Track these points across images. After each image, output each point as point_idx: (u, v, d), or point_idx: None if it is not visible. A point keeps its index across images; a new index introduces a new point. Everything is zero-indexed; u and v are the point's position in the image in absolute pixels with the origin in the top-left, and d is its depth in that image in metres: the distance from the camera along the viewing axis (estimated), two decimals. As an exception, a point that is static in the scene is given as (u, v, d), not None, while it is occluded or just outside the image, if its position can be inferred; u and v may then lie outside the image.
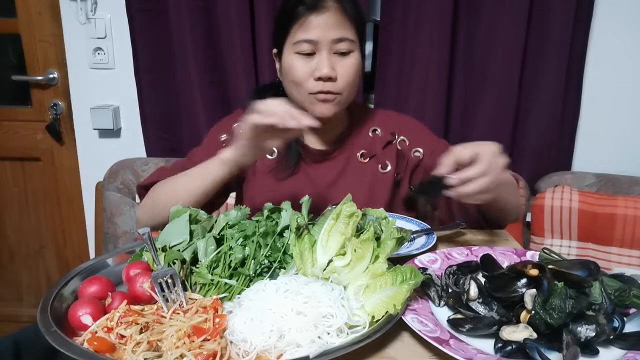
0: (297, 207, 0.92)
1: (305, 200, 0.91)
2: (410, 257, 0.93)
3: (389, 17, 1.77)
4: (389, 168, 1.23)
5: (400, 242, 0.83)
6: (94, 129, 1.98)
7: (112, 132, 2.00)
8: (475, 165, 0.88)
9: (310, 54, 1.10)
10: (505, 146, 1.90)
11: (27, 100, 2.04)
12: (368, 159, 1.24)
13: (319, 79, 1.10)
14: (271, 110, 0.92)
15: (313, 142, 1.25)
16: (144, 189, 1.18)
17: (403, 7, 1.75)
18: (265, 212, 0.92)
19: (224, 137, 1.24)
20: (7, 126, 2.06)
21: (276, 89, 1.22)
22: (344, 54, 1.11)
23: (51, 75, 1.98)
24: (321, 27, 1.08)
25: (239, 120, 1.24)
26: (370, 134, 1.26)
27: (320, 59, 1.10)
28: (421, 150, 1.24)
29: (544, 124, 1.83)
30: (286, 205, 0.92)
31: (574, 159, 1.91)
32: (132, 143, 1.98)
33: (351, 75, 1.13)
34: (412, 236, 1.06)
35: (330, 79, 1.10)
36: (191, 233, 0.89)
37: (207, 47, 1.81)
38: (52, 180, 2.12)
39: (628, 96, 1.85)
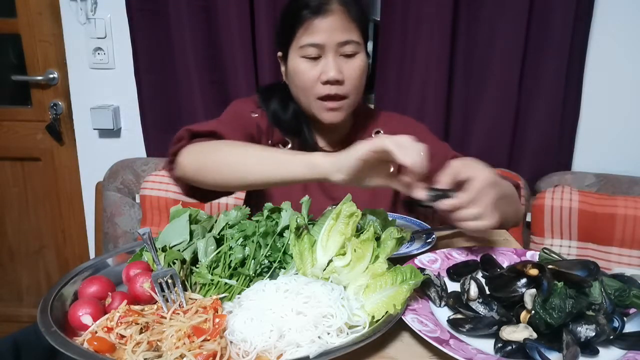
0: (297, 207, 0.92)
1: (305, 200, 0.91)
2: (410, 257, 0.93)
3: (389, 17, 1.77)
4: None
5: (400, 242, 0.83)
6: (94, 129, 1.98)
7: (112, 132, 2.00)
8: (465, 193, 0.86)
9: (316, 58, 1.10)
10: (505, 146, 1.92)
11: (27, 100, 2.04)
12: None
13: (327, 82, 1.10)
14: (410, 145, 0.80)
15: (320, 142, 1.25)
16: (190, 135, 1.04)
17: (403, 7, 1.75)
18: (265, 212, 0.92)
19: (255, 114, 1.19)
20: (7, 126, 2.06)
21: (283, 91, 1.22)
22: (349, 56, 1.11)
23: (51, 75, 1.98)
24: (327, 30, 1.08)
25: (256, 104, 1.21)
26: (373, 135, 1.26)
27: (326, 63, 1.09)
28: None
29: (544, 124, 1.83)
30: (286, 205, 0.92)
31: (574, 159, 1.91)
32: (132, 143, 1.98)
33: (358, 77, 1.13)
34: (412, 236, 1.06)
35: (337, 81, 1.10)
36: (191, 233, 0.89)
37: (207, 47, 1.81)
38: (52, 180, 2.12)
39: (628, 96, 1.85)
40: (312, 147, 1.21)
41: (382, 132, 1.27)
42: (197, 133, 1.04)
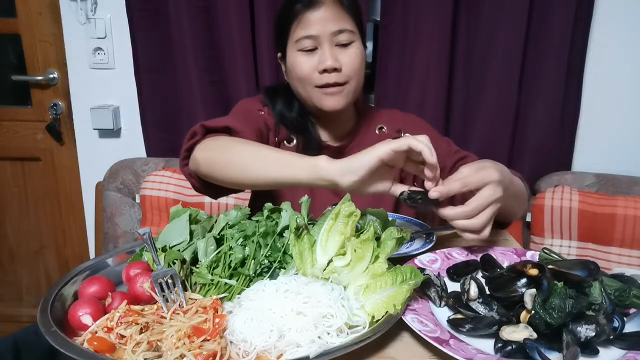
0: (296, 207, 0.92)
1: (304, 200, 0.91)
2: (410, 257, 0.93)
3: (389, 17, 1.77)
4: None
5: (400, 242, 0.83)
6: (94, 129, 1.98)
7: (112, 132, 2.00)
8: (466, 206, 0.89)
9: (312, 50, 1.11)
10: (505, 146, 1.91)
11: (27, 100, 2.04)
12: None
13: (324, 71, 1.11)
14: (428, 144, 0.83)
15: (324, 138, 1.25)
16: (206, 131, 1.04)
17: (403, 7, 1.75)
18: (265, 212, 0.92)
19: (262, 112, 1.21)
20: (7, 126, 2.06)
21: (286, 91, 1.23)
22: (345, 45, 1.12)
23: (51, 75, 1.98)
24: (319, 21, 1.09)
25: (261, 104, 1.22)
26: (377, 131, 1.27)
27: (322, 52, 1.10)
28: None
29: (544, 124, 1.83)
30: (286, 205, 0.92)
31: (574, 159, 1.90)
32: (132, 143, 1.98)
33: (355, 64, 1.13)
34: (412, 236, 1.06)
35: (335, 69, 1.11)
36: (191, 233, 0.89)
37: (207, 47, 1.82)
38: (52, 180, 2.12)
39: (628, 96, 1.85)
40: (317, 144, 1.22)
41: (385, 128, 1.27)
42: (212, 129, 1.04)
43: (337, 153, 1.24)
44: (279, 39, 1.18)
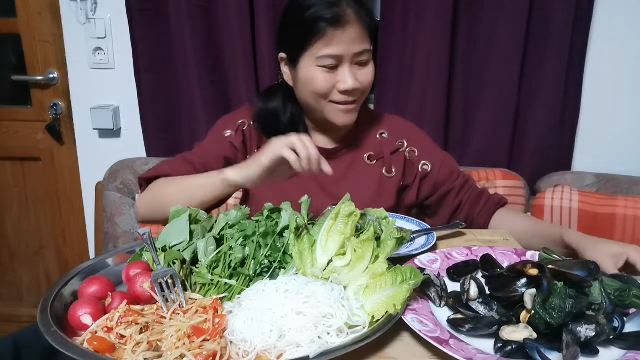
0: (297, 207, 0.92)
1: (304, 200, 0.91)
2: (410, 257, 0.93)
3: (389, 17, 1.76)
4: (394, 173, 1.25)
5: (400, 242, 0.83)
6: (94, 129, 1.98)
7: (112, 132, 2.00)
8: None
9: (333, 67, 1.12)
10: (505, 146, 1.92)
11: (27, 100, 2.04)
12: (375, 161, 1.25)
13: (345, 92, 1.12)
14: (303, 150, 0.94)
15: (319, 141, 1.26)
16: (145, 181, 1.19)
17: (403, 7, 1.75)
18: (265, 212, 0.92)
19: (228, 133, 1.24)
20: (7, 126, 2.06)
21: (285, 92, 1.22)
22: (363, 64, 1.14)
23: (51, 75, 1.98)
24: (345, 42, 1.09)
25: (244, 117, 1.25)
26: (378, 136, 1.28)
27: (343, 72, 1.12)
28: (429, 164, 1.26)
29: (544, 124, 1.83)
30: (286, 205, 0.92)
31: (574, 159, 1.90)
32: (132, 143, 1.98)
33: (370, 83, 1.16)
34: (412, 236, 1.06)
35: (355, 90, 1.13)
36: (191, 233, 0.89)
37: (207, 47, 1.81)
38: (52, 180, 2.11)
39: (628, 96, 1.85)
40: None
41: (386, 134, 1.28)
42: (148, 179, 1.18)
43: (327, 154, 1.23)
44: (290, 44, 1.16)
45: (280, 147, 0.96)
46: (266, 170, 0.98)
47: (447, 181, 1.26)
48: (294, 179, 1.20)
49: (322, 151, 1.23)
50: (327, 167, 0.97)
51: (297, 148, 0.95)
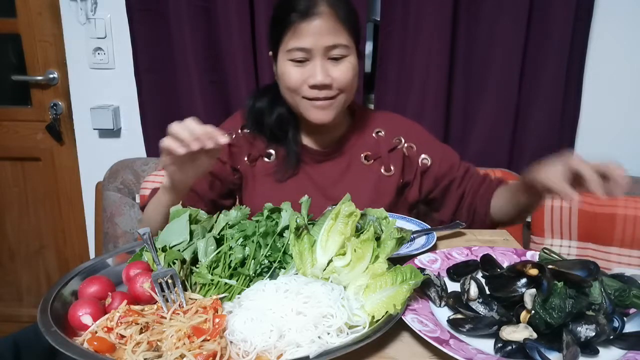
0: (297, 207, 0.92)
1: (304, 200, 0.91)
2: (410, 257, 0.93)
3: (389, 17, 1.77)
4: (392, 171, 1.23)
5: (400, 242, 0.83)
6: (94, 129, 1.98)
7: (112, 132, 2.00)
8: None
9: (303, 61, 1.09)
10: (505, 146, 1.91)
11: (27, 100, 2.04)
12: (372, 160, 1.24)
13: (314, 86, 1.09)
14: (179, 135, 0.89)
15: (313, 143, 1.25)
16: (141, 209, 1.23)
17: (403, 8, 1.74)
18: (265, 212, 0.92)
19: (231, 132, 1.24)
20: (7, 126, 2.06)
21: (275, 90, 1.21)
22: (337, 59, 1.10)
23: (51, 75, 1.98)
24: (314, 34, 1.06)
25: (234, 125, 1.25)
26: (374, 135, 1.26)
27: (313, 67, 1.08)
28: (429, 157, 1.25)
29: (544, 124, 1.83)
30: (286, 205, 0.92)
31: (574, 159, 1.90)
32: (132, 143, 1.98)
33: (346, 80, 1.11)
34: (412, 236, 1.06)
35: (325, 86, 1.09)
36: (191, 233, 0.89)
37: (207, 47, 1.81)
38: (52, 180, 2.11)
39: (628, 96, 1.85)
40: (298, 152, 1.21)
41: (383, 132, 1.26)
42: (142, 207, 1.21)
43: (322, 156, 1.23)
44: (271, 41, 1.16)
45: (162, 140, 0.92)
46: (170, 166, 0.96)
47: (448, 173, 1.24)
48: (290, 182, 1.21)
49: (316, 153, 1.23)
50: (222, 139, 0.90)
51: (177, 133, 0.89)
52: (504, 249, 0.99)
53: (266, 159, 1.23)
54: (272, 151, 1.23)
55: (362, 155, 1.24)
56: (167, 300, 0.76)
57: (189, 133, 0.88)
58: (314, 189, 1.20)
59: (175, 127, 0.89)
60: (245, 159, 1.23)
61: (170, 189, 1.04)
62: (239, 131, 1.25)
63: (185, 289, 0.80)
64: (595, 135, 1.88)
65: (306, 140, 1.25)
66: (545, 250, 0.89)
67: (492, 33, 1.75)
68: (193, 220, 0.92)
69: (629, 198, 1.67)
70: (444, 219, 1.27)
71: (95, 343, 0.67)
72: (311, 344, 0.66)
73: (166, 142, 0.91)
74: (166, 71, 1.86)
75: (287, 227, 0.88)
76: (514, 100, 1.81)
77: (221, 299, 0.77)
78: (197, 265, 0.86)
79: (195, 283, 0.83)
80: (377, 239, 0.82)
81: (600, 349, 0.69)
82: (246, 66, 1.81)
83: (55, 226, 2.18)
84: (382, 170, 1.23)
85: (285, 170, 1.21)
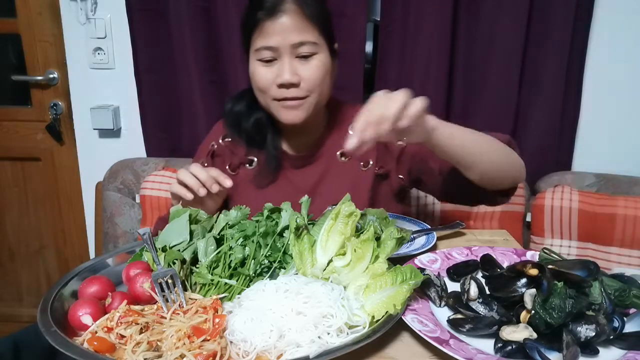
0: (296, 207, 0.92)
1: (304, 200, 0.91)
2: (410, 257, 0.93)
3: (389, 17, 1.76)
4: (370, 164, 1.20)
5: (400, 242, 0.83)
6: (94, 129, 1.98)
7: (112, 132, 2.00)
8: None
9: (271, 60, 1.07)
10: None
11: (27, 100, 2.04)
12: (349, 157, 1.20)
13: (282, 85, 1.07)
14: (186, 181, 0.96)
15: (291, 148, 1.22)
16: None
17: (403, 8, 1.74)
18: (265, 212, 0.92)
19: (212, 143, 1.25)
20: (7, 126, 2.06)
21: (251, 94, 1.19)
22: (306, 57, 1.07)
23: (51, 75, 1.98)
24: (279, 32, 1.04)
25: (216, 135, 1.25)
26: (350, 130, 1.23)
27: (281, 65, 1.06)
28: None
29: (544, 124, 1.83)
30: (286, 205, 0.92)
31: (574, 159, 1.90)
32: (132, 143, 1.98)
33: (316, 79, 1.08)
34: (412, 236, 1.06)
35: (292, 85, 1.07)
36: (191, 233, 0.89)
37: (207, 47, 1.81)
38: (52, 180, 2.11)
39: (628, 96, 1.85)
40: (278, 157, 1.19)
41: None
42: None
43: (301, 161, 1.21)
44: (242, 41, 1.15)
45: (171, 185, 1.00)
46: (183, 204, 1.00)
47: (422, 148, 1.13)
48: (271, 187, 1.19)
49: (295, 158, 1.21)
50: (228, 182, 0.99)
51: (184, 180, 0.97)
52: (504, 249, 0.99)
53: (248, 166, 1.22)
54: (254, 158, 1.22)
55: (337, 153, 1.21)
56: (167, 300, 0.76)
57: (195, 179, 0.94)
58: (295, 193, 1.16)
59: (182, 174, 0.95)
60: (228, 167, 1.22)
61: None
62: (220, 141, 1.24)
63: (185, 289, 0.81)
64: (595, 135, 1.88)
65: (285, 146, 1.23)
66: (545, 250, 0.89)
67: (492, 33, 1.75)
68: (193, 220, 0.92)
69: (628, 198, 1.67)
70: (437, 196, 1.22)
71: (95, 343, 0.67)
72: (311, 344, 0.66)
73: (175, 189, 0.97)
74: (166, 71, 1.86)
75: (287, 227, 0.88)
76: (514, 100, 1.81)
77: (221, 299, 0.77)
78: (197, 265, 0.86)
79: (195, 283, 0.83)
80: (377, 239, 0.82)
81: (600, 349, 0.69)
82: (246, 66, 1.79)
83: (55, 226, 2.18)
84: (360, 166, 1.20)
85: (265, 177, 1.20)
